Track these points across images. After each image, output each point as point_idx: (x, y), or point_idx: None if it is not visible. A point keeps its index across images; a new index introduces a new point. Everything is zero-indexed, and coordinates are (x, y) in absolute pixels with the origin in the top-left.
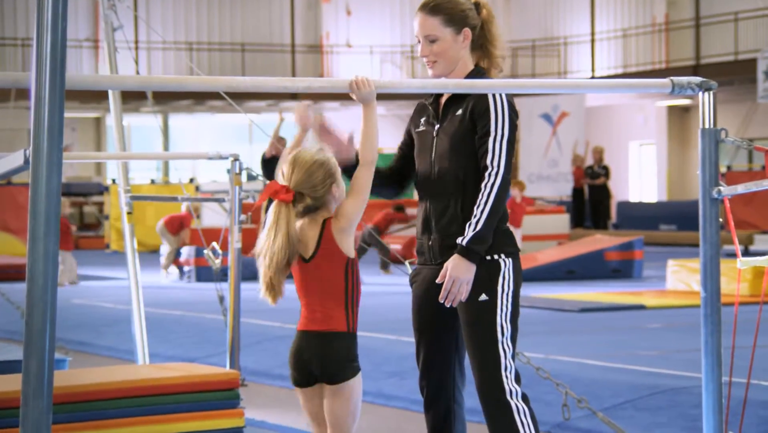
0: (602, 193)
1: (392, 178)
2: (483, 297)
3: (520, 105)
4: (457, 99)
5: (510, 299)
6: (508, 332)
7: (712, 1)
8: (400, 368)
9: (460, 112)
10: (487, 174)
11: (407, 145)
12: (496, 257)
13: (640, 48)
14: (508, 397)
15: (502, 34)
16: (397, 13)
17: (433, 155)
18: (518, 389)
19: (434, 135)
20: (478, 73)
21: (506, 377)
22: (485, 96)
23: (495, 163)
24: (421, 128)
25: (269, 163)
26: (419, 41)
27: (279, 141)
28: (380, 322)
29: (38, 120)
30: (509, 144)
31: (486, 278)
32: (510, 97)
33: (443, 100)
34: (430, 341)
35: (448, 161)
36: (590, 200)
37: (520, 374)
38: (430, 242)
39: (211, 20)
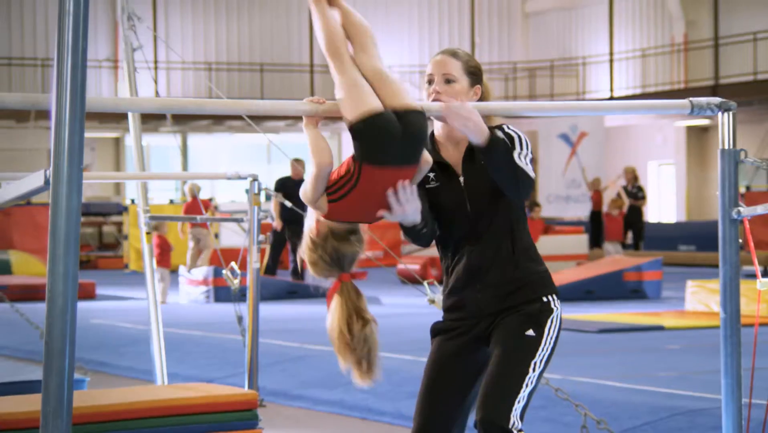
0: (635, 215)
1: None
2: (530, 333)
3: (538, 125)
4: (472, 149)
5: (553, 342)
6: (539, 370)
7: (730, 22)
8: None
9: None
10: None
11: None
12: (550, 298)
13: (659, 68)
14: (511, 427)
15: (496, 108)
16: (415, 33)
17: (468, 207)
18: (521, 424)
19: (462, 187)
20: None
21: (515, 408)
22: (503, 131)
23: (526, 170)
24: (434, 184)
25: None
26: (430, 82)
27: (298, 163)
28: (398, 343)
29: (58, 142)
30: (531, 162)
31: (537, 314)
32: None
33: (462, 151)
34: (441, 404)
35: (490, 207)
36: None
37: (526, 411)
38: (479, 294)
39: (230, 40)
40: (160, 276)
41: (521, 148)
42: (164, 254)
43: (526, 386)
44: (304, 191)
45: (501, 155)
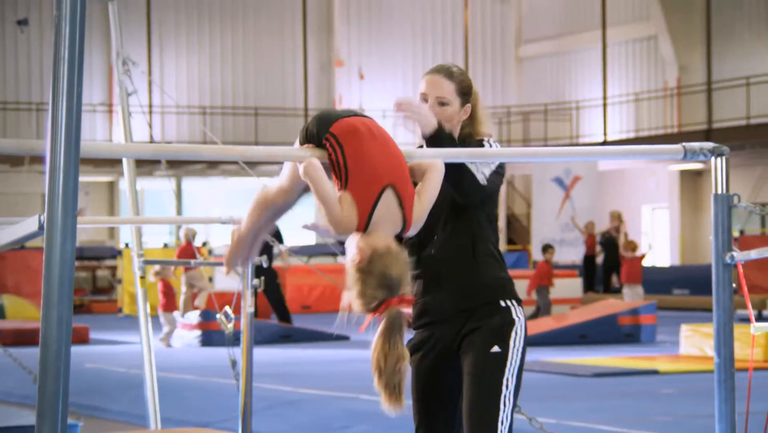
0: (613, 255)
1: None
2: (495, 349)
3: (532, 169)
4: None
5: (520, 354)
6: (512, 386)
7: (723, 66)
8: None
9: None
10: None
11: None
12: (509, 303)
13: (652, 112)
14: None
15: (487, 115)
16: (409, 77)
17: (434, 212)
18: None
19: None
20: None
21: (501, 431)
22: (481, 142)
23: (481, 174)
24: None
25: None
26: (424, 101)
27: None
28: None
29: (53, 187)
30: (496, 174)
31: (500, 329)
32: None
33: None
34: (436, 420)
35: (451, 211)
36: (605, 265)
37: (513, 429)
38: (438, 295)
39: (224, 84)
40: (166, 320)
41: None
42: (170, 299)
43: (504, 406)
44: (328, 217)
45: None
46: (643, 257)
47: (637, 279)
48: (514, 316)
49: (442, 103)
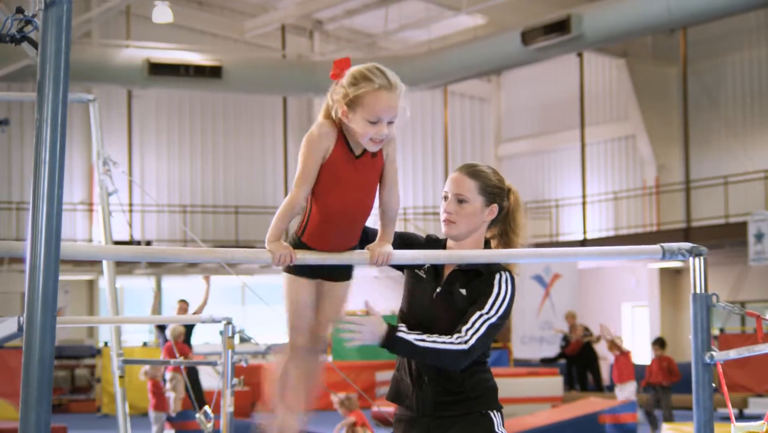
0: (591, 355)
1: None
2: None
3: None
4: (464, 273)
5: None
6: None
7: (701, 165)
8: None
9: (465, 292)
10: (456, 336)
11: None
12: (491, 414)
13: (631, 211)
14: None
15: (526, 224)
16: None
17: (429, 313)
18: None
19: (432, 297)
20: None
21: None
22: (493, 278)
23: (467, 335)
24: (421, 274)
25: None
26: (446, 198)
27: (181, 304)
28: None
29: (32, 289)
30: (491, 327)
31: None
32: (514, 287)
33: (450, 266)
34: None
35: (447, 326)
36: (577, 364)
37: None
38: (421, 392)
39: (205, 183)
40: (155, 420)
41: (487, 311)
42: (160, 398)
43: None
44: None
45: (401, 352)
46: (629, 352)
47: (630, 376)
48: (496, 429)
49: (460, 201)
